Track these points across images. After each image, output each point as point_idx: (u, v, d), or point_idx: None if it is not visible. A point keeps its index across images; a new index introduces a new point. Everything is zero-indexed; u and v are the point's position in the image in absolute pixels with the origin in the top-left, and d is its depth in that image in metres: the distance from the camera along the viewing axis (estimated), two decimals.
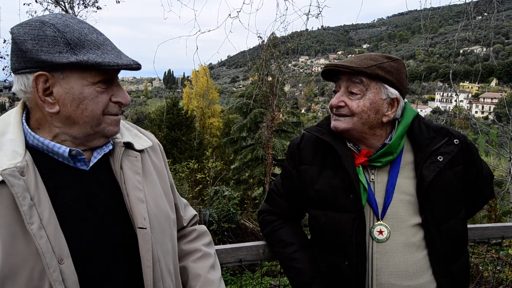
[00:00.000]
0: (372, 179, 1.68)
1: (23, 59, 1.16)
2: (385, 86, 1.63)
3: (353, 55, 1.72)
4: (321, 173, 1.73)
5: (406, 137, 1.71)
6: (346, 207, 1.66)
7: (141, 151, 1.42)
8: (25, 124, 1.24)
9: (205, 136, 34.86)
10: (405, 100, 1.73)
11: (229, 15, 5.31)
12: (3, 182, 1.11)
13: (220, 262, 1.85)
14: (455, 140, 1.67)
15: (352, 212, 1.65)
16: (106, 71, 1.22)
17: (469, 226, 2.35)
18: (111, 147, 1.35)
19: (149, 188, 1.39)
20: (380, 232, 1.63)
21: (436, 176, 1.61)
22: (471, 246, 4.56)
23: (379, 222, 1.64)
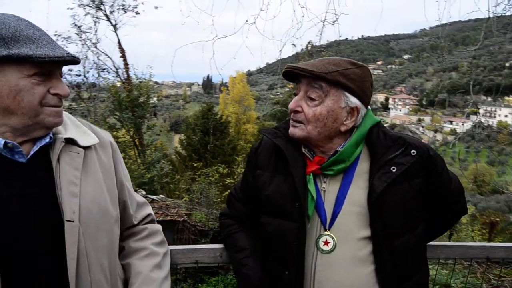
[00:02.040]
0: (324, 188, 1.63)
1: None
2: (346, 94, 1.57)
3: (317, 59, 1.67)
4: (273, 179, 1.69)
5: (364, 146, 1.65)
6: (291, 215, 1.60)
7: (86, 148, 1.46)
8: None
9: (239, 142, 34.85)
10: (369, 107, 1.67)
11: (246, 21, 5.39)
12: None
13: (175, 262, 1.86)
14: (412, 151, 1.57)
15: (297, 221, 1.59)
16: (42, 64, 1.27)
17: (451, 243, 2.23)
18: (48, 139, 1.38)
19: (88, 183, 1.41)
20: (326, 243, 1.57)
21: (387, 187, 1.52)
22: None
23: (325, 232, 1.58)
